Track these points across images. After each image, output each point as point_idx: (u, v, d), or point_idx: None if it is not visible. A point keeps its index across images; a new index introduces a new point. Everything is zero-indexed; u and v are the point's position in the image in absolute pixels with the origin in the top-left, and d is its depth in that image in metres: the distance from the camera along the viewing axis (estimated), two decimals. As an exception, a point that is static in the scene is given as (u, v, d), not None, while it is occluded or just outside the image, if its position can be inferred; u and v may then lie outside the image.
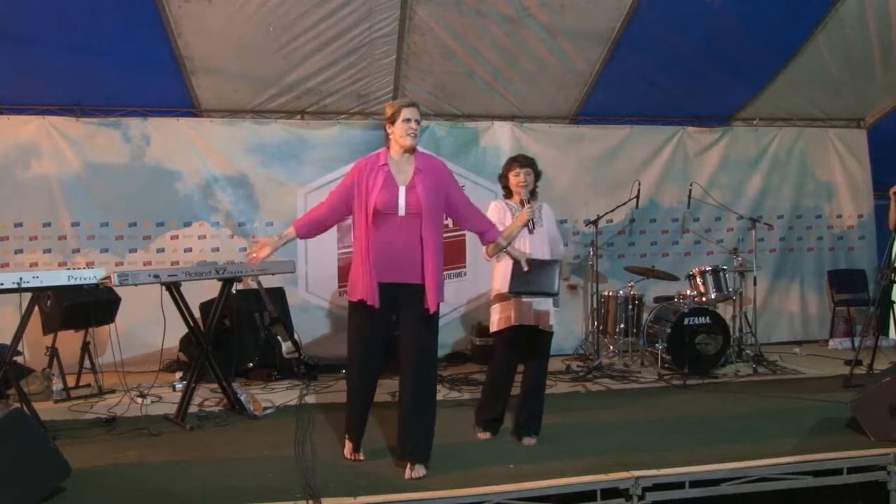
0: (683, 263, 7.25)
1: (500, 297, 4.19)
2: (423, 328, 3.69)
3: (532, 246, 4.15)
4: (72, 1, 5.22)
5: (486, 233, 3.92)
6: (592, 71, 6.56)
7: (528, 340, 4.19)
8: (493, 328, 4.25)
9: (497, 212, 4.22)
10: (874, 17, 6.11)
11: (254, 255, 3.78)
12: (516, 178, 4.22)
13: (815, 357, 6.79)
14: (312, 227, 3.85)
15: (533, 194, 4.34)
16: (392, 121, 3.69)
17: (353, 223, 3.77)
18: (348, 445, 3.92)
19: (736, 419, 4.64)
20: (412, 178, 3.68)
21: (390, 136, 3.72)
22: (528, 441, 4.17)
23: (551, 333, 4.23)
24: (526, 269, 3.92)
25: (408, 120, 3.65)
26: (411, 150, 3.71)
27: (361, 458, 3.88)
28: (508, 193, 4.32)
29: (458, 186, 3.88)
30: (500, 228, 4.08)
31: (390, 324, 3.85)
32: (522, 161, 4.27)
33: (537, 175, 4.31)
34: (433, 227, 3.66)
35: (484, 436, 4.28)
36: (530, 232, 4.13)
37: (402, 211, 3.62)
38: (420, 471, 3.61)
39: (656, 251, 7.49)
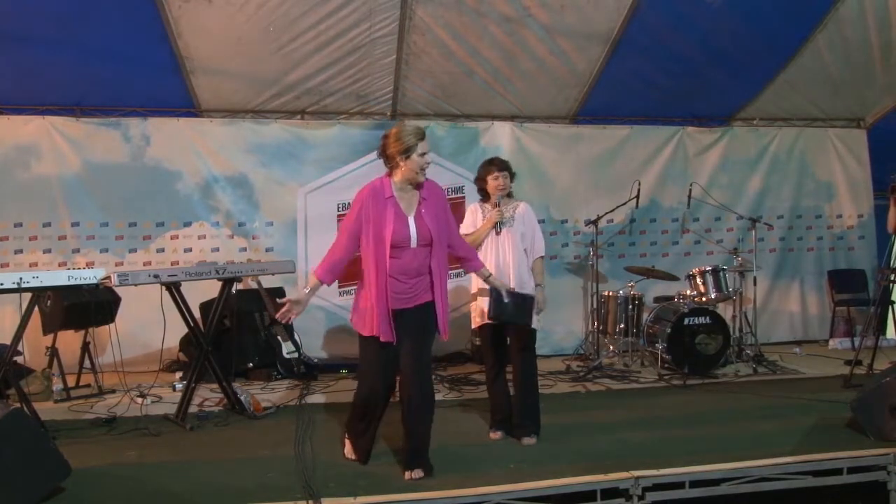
0: (683, 263, 7.24)
1: (475, 296, 4.36)
2: (425, 345, 3.73)
3: (497, 246, 4.28)
4: (72, 1, 5.22)
5: (470, 262, 3.97)
6: (592, 71, 6.56)
7: (511, 338, 4.29)
8: (473, 326, 4.43)
9: (471, 214, 4.43)
10: (874, 17, 6.11)
11: (289, 314, 3.58)
12: (495, 182, 4.32)
13: (815, 357, 6.78)
14: (335, 272, 3.68)
15: (509, 195, 4.44)
16: (406, 154, 3.54)
17: (361, 255, 3.67)
18: (349, 445, 3.92)
19: (736, 419, 4.64)
20: (417, 208, 3.65)
21: (400, 166, 3.58)
22: (528, 441, 4.17)
23: (531, 330, 4.25)
24: (506, 300, 4.00)
25: (423, 154, 3.57)
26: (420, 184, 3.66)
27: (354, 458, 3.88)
28: (485, 195, 4.43)
29: (450, 211, 3.83)
30: (472, 230, 4.30)
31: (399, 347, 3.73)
32: (500, 164, 4.37)
33: (512, 175, 4.41)
34: (441, 254, 3.71)
35: (495, 435, 4.29)
36: (497, 233, 4.26)
37: (413, 243, 3.60)
38: (419, 472, 3.61)
39: (656, 251, 7.49)
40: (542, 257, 4.40)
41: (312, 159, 6.84)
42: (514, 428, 4.26)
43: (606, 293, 6.70)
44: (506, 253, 4.28)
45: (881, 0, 5.96)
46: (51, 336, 5.44)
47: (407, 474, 3.60)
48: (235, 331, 5.82)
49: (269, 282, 6.20)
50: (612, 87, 6.75)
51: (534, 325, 4.28)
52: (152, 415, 4.78)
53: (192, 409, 4.88)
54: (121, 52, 5.70)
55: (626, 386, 5.74)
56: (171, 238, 6.63)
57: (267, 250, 6.79)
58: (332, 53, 6.03)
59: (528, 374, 4.28)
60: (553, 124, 7.28)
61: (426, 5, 5.68)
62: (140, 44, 5.66)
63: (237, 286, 5.09)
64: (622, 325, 6.54)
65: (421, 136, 3.57)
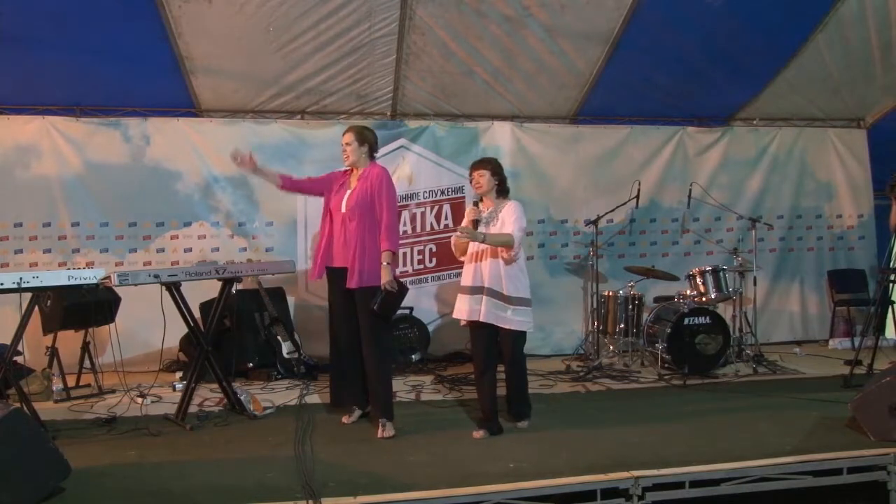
0: (683, 263, 7.24)
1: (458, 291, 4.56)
2: (362, 304, 4.38)
3: (475, 247, 4.41)
4: (72, 1, 5.22)
5: (382, 242, 4.45)
6: (592, 71, 6.56)
7: (496, 337, 4.44)
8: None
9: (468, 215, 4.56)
10: (874, 17, 6.11)
11: (239, 158, 4.57)
12: (471, 183, 4.54)
13: (815, 357, 6.79)
14: (294, 186, 4.84)
15: (501, 192, 4.52)
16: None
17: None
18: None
19: (736, 419, 4.64)
20: (356, 185, 4.54)
21: None
22: (522, 424, 4.51)
23: (511, 332, 4.36)
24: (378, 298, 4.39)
25: (342, 144, 4.62)
26: (354, 167, 4.61)
27: (345, 421, 4.61)
28: None
29: (387, 195, 4.47)
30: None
31: (349, 300, 4.50)
32: (475, 164, 4.55)
33: (496, 173, 4.48)
34: (359, 222, 4.43)
35: (477, 434, 4.32)
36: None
37: (343, 209, 4.51)
38: (390, 430, 4.30)
39: (656, 251, 7.49)
40: (510, 234, 4.22)
41: (312, 159, 6.82)
42: (510, 415, 4.56)
43: (606, 293, 6.70)
44: (482, 254, 4.40)
45: (881, 0, 5.96)
46: (51, 336, 5.43)
47: (379, 432, 4.28)
48: (235, 331, 5.82)
49: (269, 282, 6.22)
50: (612, 87, 6.75)
51: (526, 329, 4.43)
52: (152, 415, 4.78)
53: (192, 409, 4.88)
54: (121, 52, 5.70)
55: (626, 386, 5.74)
56: (171, 238, 6.63)
57: (267, 250, 6.79)
58: (332, 53, 6.03)
59: (512, 372, 4.52)
60: (553, 124, 7.28)
61: (426, 5, 5.68)
62: (140, 44, 5.65)
63: (237, 286, 5.09)
64: (622, 325, 6.54)
65: (345, 130, 4.68)
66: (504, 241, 4.25)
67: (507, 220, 4.33)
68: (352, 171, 4.65)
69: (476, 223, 4.35)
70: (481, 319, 4.34)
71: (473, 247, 4.43)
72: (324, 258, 4.60)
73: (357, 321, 4.46)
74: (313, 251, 4.85)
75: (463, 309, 4.43)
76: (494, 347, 4.46)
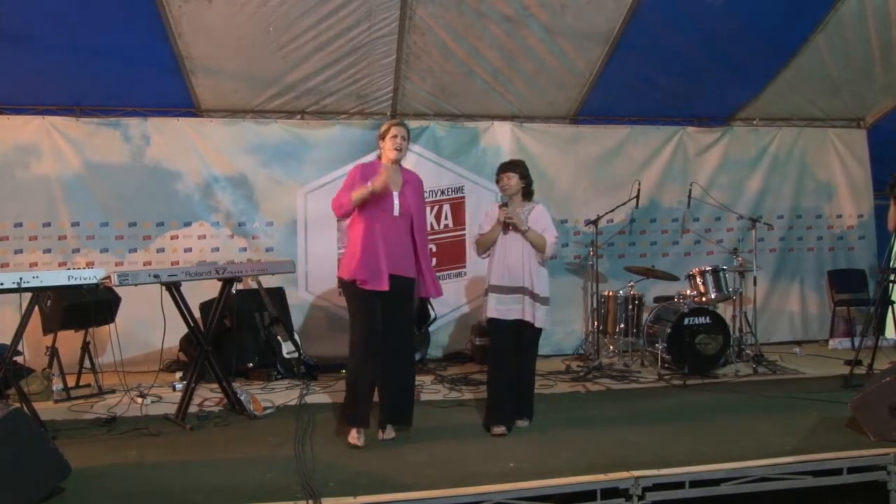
0: (683, 263, 7.25)
1: (487, 291, 4.49)
2: (406, 314, 4.36)
3: (505, 246, 4.41)
4: (72, 1, 5.22)
5: (418, 251, 4.36)
6: (592, 71, 6.56)
7: (517, 334, 4.40)
8: (487, 316, 4.52)
9: (487, 215, 4.60)
10: (874, 17, 6.11)
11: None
12: (500, 183, 4.56)
13: (815, 357, 6.79)
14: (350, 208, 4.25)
15: (527, 195, 4.56)
16: (383, 137, 4.32)
17: (352, 218, 4.31)
18: (352, 432, 4.13)
19: (736, 419, 4.64)
20: (402, 187, 4.32)
21: (382, 147, 4.34)
22: (521, 423, 4.49)
23: (536, 329, 4.42)
24: None
25: (394, 137, 4.28)
26: (397, 162, 4.35)
27: (360, 443, 4.11)
28: None
29: (425, 202, 4.60)
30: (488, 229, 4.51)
31: (380, 307, 4.26)
32: (504, 166, 4.58)
33: (524, 176, 4.52)
34: (422, 227, 4.39)
35: (499, 430, 4.32)
36: (504, 233, 4.41)
37: (396, 211, 4.25)
38: (391, 432, 4.21)
39: (656, 251, 7.49)
40: (545, 239, 4.37)
41: (312, 159, 6.84)
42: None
43: (606, 293, 6.71)
44: (515, 254, 4.39)
45: (881, 0, 5.96)
46: (51, 336, 5.43)
47: (379, 434, 4.18)
48: (235, 331, 5.82)
49: (269, 282, 6.22)
50: (612, 87, 6.75)
51: (541, 325, 4.44)
52: (152, 415, 4.78)
53: (192, 409, 4.88)
54: (121, 52, 5.70)
55: (626, 386, 5.74)
56: (171, 238, 6.63)
57: (267, 250, 6.79)
58: (332, 53, 6.03)
59: (526, 368, 4.52)
60: (553, 124, 7.28)
61: (426, 5, 5.68)
62: (140, 44, 5.66)
63: (237, 286, 5.09)
64: (622, 325, 6.55)
65: (395, 124, 4.35)
66: (541, 242, 4.38)
67: (544, 226, 4.43)
68: (380, 166, 4.29)
69: (506, 225, 4.40)
70: (526, 319, 4.35)
71: (503, 245, 4.41)
72: (385, 262, 4.13)
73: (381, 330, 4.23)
74: (361, 254, 4.13)
75: (502, 308, 4.37)
76: (512, 344, 4.45)
